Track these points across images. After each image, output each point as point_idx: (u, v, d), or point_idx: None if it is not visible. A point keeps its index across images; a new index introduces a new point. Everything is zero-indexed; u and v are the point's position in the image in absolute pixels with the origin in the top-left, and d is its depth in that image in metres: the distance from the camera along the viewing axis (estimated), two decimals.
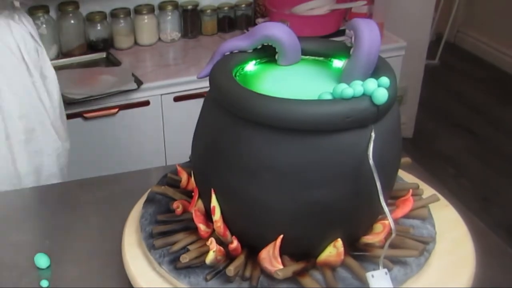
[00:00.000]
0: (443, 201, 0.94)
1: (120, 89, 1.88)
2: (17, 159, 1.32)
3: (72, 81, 1.91)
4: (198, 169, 0.83)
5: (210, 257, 0.77)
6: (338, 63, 0.84)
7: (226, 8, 2.34)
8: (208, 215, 0.83)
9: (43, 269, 0.87)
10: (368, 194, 0.73)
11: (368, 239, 0.80)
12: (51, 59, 1.49)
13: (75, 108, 1.84)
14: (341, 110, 0.69)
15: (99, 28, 2.19)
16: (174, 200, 0.90)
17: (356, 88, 0.70)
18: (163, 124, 2.02)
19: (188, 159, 0.98)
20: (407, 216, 0.86)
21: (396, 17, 2.45)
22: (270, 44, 0.82)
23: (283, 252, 0.77)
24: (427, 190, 0.94)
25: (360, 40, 0.75)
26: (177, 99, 2.00)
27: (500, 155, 2.85)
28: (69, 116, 1.57)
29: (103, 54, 2.19)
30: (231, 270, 0.76)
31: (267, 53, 0.84)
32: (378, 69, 0.77)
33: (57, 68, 1.48)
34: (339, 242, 0.76)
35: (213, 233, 0.82)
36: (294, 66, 0.84)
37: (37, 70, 1.32)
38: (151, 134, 2.02)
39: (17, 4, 1.31)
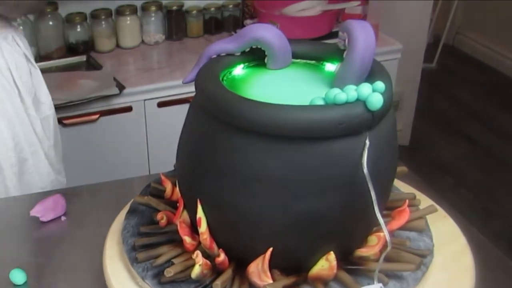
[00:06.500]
0: (441, 212, 0.94)
1: (101, 94, 1.88)
2: (11, 194, 1.26)
3: (50, 86, 1.90)
4: (183, 178, 0.83)
5: (196, 271, 0.77)
6: (330, 66, 0.85)
7: (212, 9, 2.35)
8: (193, 227, 0.83)
9: (19, 285, 0.87)
10: (362, 205, 0.73)
11: (362, 252, 0.81)
12: None
13: None
14: (333, 116, 0.69)
15: (79, 30, 2.19)
16: (158, 211, 0.89)
17: (349, 93, 0.70)
18: (146, 131, 2.02)
19: (172, 168, 0.98)
20: (403, 228, 0.86)
21: (391, 19, 2.46)
22: (259, 46, 0.82)
23: (272, 265, 0.77)
24: (424, 201, 0.95)
25: (354, 42, 0.76)
26: (161, 104, 2.00)
27: (501, 164, 2.86)
28: None
29: (83, 57, 2.19)
30: (218, 284, 0.75)
31: (256, 56, 0.84)
32: (373, 73, 0.77)
33: None
34: (331, 255, 0.76)
35: (199, 245, 0.82)
36: (284, 70, 0.84)
37: (30, 95, 1.29)
38: (133, 142, 2.02)
39: (14, 23, 1.28)
